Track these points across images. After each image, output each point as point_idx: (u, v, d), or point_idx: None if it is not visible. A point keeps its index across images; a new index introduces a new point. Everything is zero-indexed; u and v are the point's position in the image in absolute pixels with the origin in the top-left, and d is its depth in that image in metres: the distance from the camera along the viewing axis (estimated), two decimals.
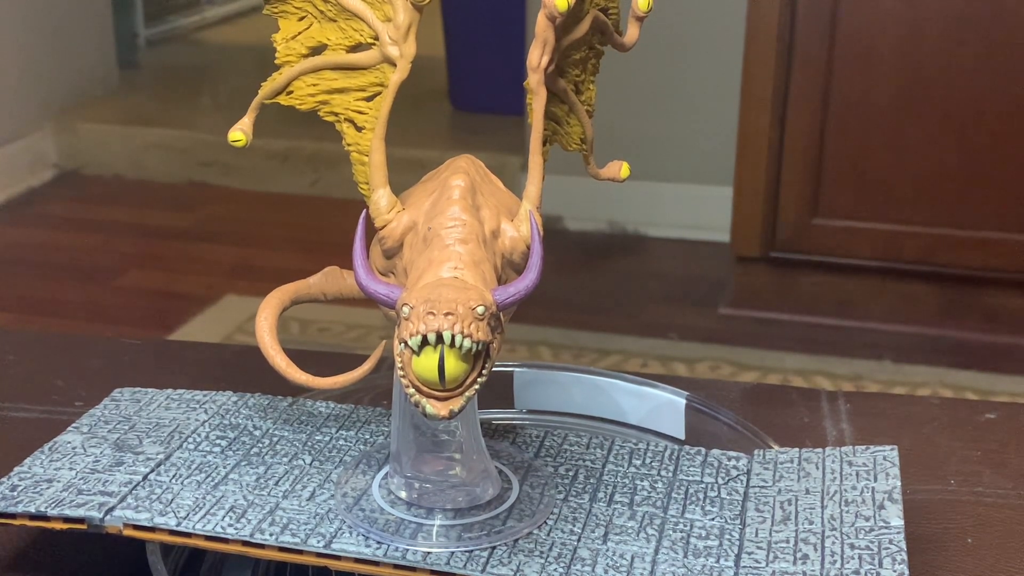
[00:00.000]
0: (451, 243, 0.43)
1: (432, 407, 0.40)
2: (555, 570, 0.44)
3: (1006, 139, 1.81)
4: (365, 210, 0.45)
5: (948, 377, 1.78)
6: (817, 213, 1.90)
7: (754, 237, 1.94)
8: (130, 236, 2.37)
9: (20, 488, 0.48)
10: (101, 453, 0.50)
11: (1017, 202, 1.83)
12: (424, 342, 0.39)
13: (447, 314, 0.39)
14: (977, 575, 0.50)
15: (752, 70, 1.87)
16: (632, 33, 0.49)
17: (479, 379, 0.40)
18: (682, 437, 0.57)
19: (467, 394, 0.40)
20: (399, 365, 0.40)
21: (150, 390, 0.57)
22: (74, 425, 0.53)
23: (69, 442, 0.52)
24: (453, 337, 0.39)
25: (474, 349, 0.39)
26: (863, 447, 0.51)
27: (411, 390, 0.40)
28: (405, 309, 0.40)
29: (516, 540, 0.45)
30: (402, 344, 0.40)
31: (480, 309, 0.40)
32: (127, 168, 2.70)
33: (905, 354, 1.85)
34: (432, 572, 0.43)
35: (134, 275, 2.20)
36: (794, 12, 1.82)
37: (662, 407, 0.58)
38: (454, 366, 0.39)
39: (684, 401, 0.58)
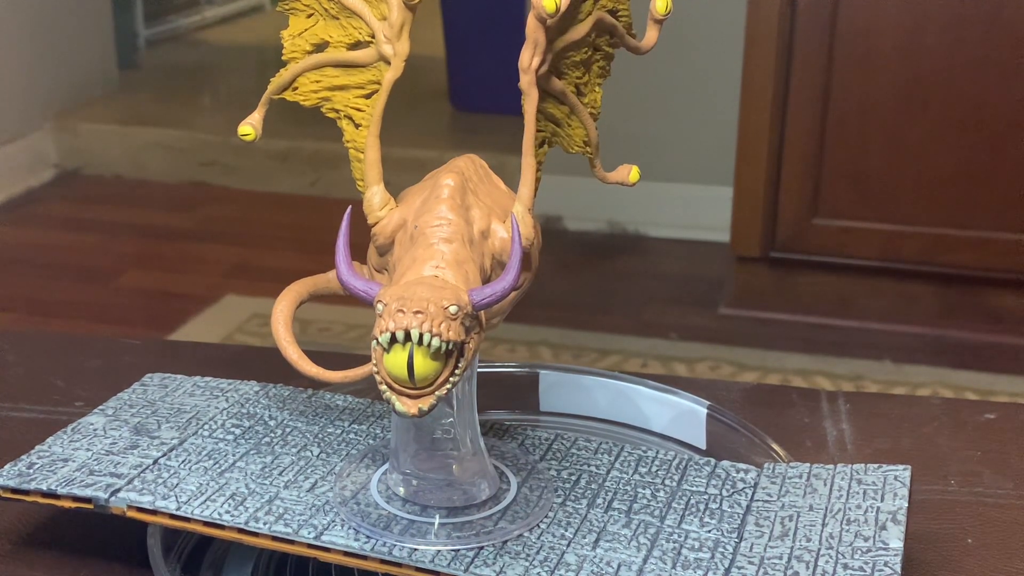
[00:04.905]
0: (435, 242, 0.43)
1: (402, 404, 0.40)
2: (538, 574, 0.43)
3: (1006, 139, 1.81)
4: (350, 207, 0.45)
5: (948, 377, 1.78)
6: (817, 213, 1.90)
7: (754, 237, 1.93)
8: (130, 236, 2.36)
9: (37, 466, 0.49)
10: (119, 436, 0.51)
11: (1017, 202, 1.83)
12: (393, 339, 0.39)
13: (416, 312, 0.39)
14: (977, 575, 0.50)
15: (752, 70, 1.87)
16: (651, 36, 0.49)
17: (451, 378, 0.40)
18: (703, 446, 0.57)
19: (438, 393, 0.40)
20: (373, 361, 0.40)
21: (179, 376, 0.58)
22: (100, 407, 0.54)
23: (92, 424, 0.52)
24: (421, 335, 0.39)
25: (444, 348, 0.39)
26: (875, 465, 0.49)
27: (383, 387, 0.40)
28: (379, 306, 0.40)
29: (505, 541, 0.45)
30: (374, 340, 0.40)
31: (453, 308, 0.40)
32: (127, 168, 2.70)
33: (905, 354, 1.85)
34: (417, 569, 0.43)
35: (134, 275, 2.20)
36: (794, 12, 1.82)
37: (683, 415, 0.58)
38: (423, 364, 0.39)
39: (705, 410, 0.57)
